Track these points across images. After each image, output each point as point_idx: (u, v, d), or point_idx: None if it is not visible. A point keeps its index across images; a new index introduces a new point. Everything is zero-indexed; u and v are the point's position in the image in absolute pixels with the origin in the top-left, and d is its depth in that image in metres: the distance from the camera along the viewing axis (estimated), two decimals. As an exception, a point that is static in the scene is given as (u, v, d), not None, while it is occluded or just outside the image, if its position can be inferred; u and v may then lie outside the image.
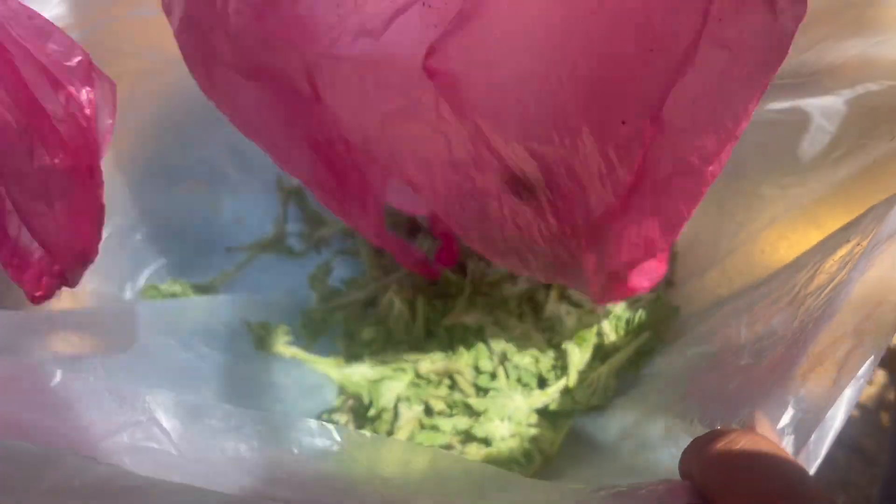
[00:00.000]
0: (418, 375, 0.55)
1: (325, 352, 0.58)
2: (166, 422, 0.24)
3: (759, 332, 0.36)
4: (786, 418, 0.24)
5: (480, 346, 0.55)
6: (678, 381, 0.47)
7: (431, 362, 0.54)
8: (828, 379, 0.24)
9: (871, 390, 0.85)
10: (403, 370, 0.55)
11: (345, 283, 0.61)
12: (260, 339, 0.56)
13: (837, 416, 0.24)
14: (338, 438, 0.25)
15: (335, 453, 0.24)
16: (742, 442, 0.22)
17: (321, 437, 0.25)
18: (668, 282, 0.58)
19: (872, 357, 0.24)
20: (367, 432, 0.30)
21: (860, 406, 0.86)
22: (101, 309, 0.51)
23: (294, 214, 0.67)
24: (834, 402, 0.24)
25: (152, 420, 0.24)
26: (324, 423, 0.25)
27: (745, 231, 0.53)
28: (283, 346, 0.56)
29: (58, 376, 0.24)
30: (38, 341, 0.39)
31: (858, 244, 0.31)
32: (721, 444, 0.22)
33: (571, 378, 0.54)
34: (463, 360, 0.55)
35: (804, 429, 0.24)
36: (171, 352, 0.50)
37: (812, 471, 0.23)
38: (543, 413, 0.53)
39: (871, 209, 0.34)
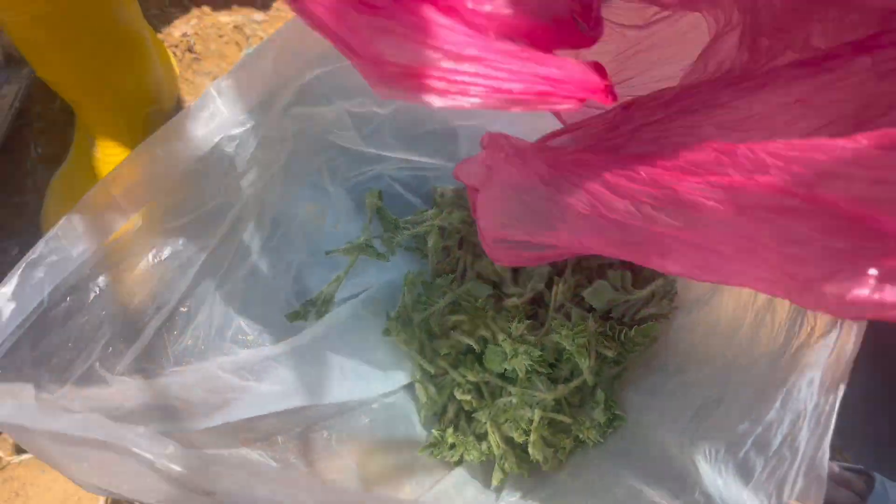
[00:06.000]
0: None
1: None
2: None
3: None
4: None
5: (497, 350, 0.73)
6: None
7: (465, 389, 0.74)
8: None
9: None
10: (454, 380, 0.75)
11: (425, 287, 0.76)
12: (388, 329, 0.74)
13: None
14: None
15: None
16: None
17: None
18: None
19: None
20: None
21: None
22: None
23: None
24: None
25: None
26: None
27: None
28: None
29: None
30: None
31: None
32: None
33: (589, 378, 0.71)
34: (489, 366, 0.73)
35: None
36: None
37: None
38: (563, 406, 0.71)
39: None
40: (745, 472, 0.38)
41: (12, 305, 0.40)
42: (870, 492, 0.89)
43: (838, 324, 0.36)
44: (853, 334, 0.35)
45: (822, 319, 0.37)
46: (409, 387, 0.77)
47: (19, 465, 0.91)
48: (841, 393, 0.34)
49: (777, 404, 0.37)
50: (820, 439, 0.34)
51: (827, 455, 0.33)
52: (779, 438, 0.36)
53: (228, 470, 0.37)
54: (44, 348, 0.43)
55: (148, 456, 0.37)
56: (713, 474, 0.41)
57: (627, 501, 0.44)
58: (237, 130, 0.51)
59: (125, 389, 0.46)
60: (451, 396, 0.76)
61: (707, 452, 0.43)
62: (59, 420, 0.38)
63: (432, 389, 0.76)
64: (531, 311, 0.78)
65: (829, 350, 0.36)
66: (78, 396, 0.43)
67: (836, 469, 0.91)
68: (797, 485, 0.34)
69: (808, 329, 0.39)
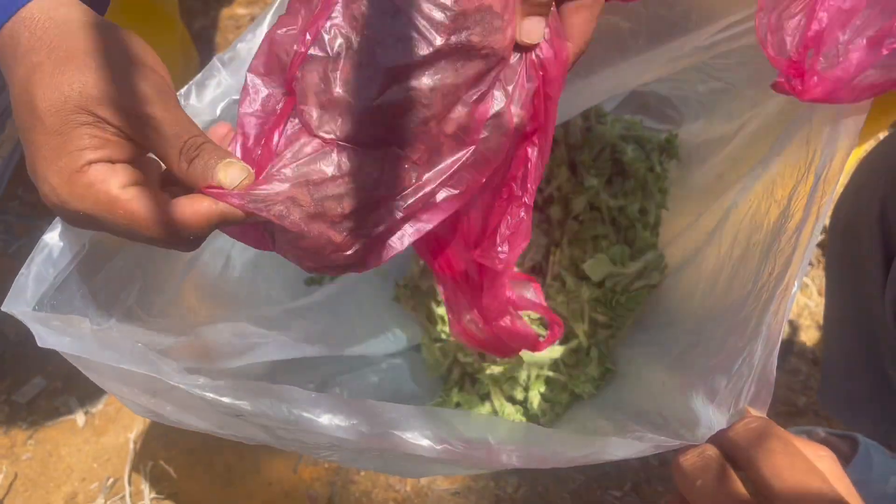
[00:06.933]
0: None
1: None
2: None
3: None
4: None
5: None
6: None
7: (468, 352, 0.80)
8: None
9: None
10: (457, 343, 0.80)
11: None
12: (397, 296, 0.79)
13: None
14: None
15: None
16: (755, 422, 0.37)
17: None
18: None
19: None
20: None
21: (820, 326, 1.07)
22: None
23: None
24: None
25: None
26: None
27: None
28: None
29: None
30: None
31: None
32: (742, 423, 0.37)
33: (583, 340, 0.76)
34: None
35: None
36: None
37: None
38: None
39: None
40: (712, 393, 0.43)
41: (61, 245, 0.46)
42: (854, 455, 0.94)
43: (790, 261, 0.42)
44: (799, 266, 0.41)
45: (779, 261, 0.43)
46: (414, 349, 0.83)
47: (53, 428, 0.97)
48: (788, 314, 0.40)
49: (741, 334, 0.43)
50: (770, 354, 0.39)
51: (775, 365, 0.39)
52: (739, 361, 0.41)
53: (253, 393, 0.42)
54: (89, 287, 0.48)
55: (183, 387, 0.42)
56: (687, 401, 0.46)
57: (614, 436, 0.50)
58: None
59: (160, 329, 0.51)
60: (456, 359, 0.81)
61: (684, 385, 0.48)
62: (108, 352, 0.43)
63: (438, 352, 0.81)
64: (530, 279, 0.84)
65: (783, 282, 0.41)
66: (121, 332, 0.49)
67: (822, 434, 0.96)
68: (750, 392, 0.39)
69: (769, 270, 0.44)
